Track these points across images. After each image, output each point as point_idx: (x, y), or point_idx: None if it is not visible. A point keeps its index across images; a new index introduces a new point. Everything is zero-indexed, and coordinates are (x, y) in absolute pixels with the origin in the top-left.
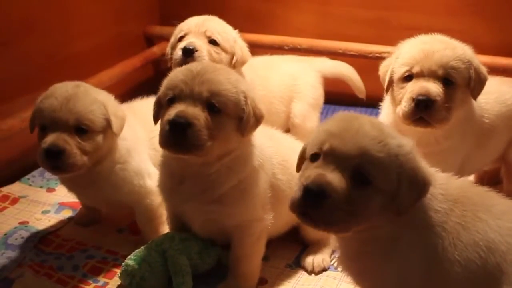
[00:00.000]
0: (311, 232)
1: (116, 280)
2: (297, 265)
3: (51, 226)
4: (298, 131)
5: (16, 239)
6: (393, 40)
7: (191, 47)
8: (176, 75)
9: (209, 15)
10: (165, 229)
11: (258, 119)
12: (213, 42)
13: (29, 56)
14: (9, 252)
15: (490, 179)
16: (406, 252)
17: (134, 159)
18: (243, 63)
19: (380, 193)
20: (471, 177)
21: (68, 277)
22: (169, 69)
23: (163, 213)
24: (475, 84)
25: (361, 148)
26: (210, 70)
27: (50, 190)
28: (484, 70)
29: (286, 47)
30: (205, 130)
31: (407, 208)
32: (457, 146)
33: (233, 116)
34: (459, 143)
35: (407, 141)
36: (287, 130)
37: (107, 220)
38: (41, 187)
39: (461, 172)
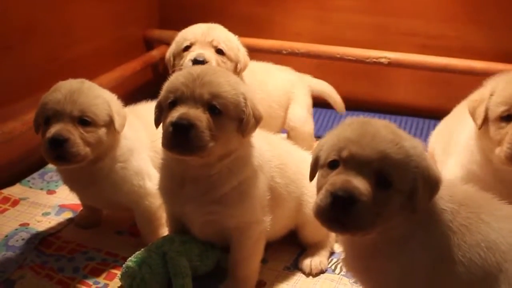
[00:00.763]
0: (309, 235)
1: (117, 282)
2: (295, 267)
3: (52, 228)
4: (297, 134)
5: (17, 240)
6: (391, 45)
7: (201, 59)
8: (177, 78)
9: (207, 19)
10: (165, 231)
11: (257, 120)
12: (219, 51)
13: (30, 60)
14: (10, 254)
15: None
16: (415, 251)
17: (135, 159)
18: (245, 69)
19: (400, 194)
20: None
21: (69, 279)
22: (169, 74)
23: (162, 216)
24: None
25: (380, 152)
26: (210, 72)
27: (50, 192)
28: None
29: (285, 52)
30: (207, 131)
31: (423, 206)
32: None
33: (234, 118)
34: None
35: (418, 142)
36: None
37: (107, 222)
38: (41, 189)
39: None
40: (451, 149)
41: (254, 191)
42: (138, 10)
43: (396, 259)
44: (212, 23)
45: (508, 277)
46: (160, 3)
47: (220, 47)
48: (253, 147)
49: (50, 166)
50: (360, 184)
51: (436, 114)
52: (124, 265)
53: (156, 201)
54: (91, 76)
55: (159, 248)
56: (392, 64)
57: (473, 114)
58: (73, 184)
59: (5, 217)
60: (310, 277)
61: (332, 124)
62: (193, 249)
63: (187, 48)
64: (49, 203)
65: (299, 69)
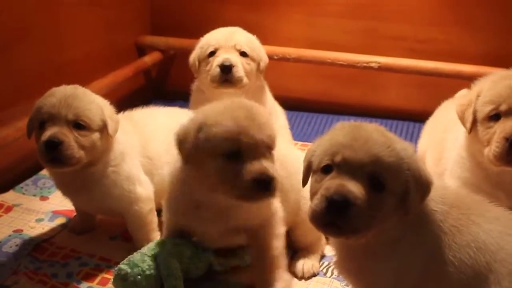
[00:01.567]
0: (301, 238)
1: (110, 287)
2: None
3: (45, 234)
4: None
5: (10, 247)
6: (380, 49)
7: (228, 64)
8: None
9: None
10: (156, 235)
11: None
12: (242, 53)
13: (22, 67)
14: (4, 260)
15: None
16: (407, 251)
17: (126, 164)
18: (265, 67)
19: (393, 196)
20: None
21: (63, 284)
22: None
23: (153, 220)
24: None
25: (373, 156)
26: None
27: (43, 198)
28: None
29: (276, 57)
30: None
31: (415, 208)
32: None
33: None
34: None
35: (408, 144)
36: None
37: (101, 227)
38: (34, 195)
39: None
40: (443, 167)
41: None
42: (130, 17)
43: (388, 260)
44: (225, 27)
45: (497, 277)
46: (152, 10)
47: (243, 50)
48: None
49: (43, 172)
50: (354, 188)
51: (426, 118)
52: (116, 268)
53: (146, 206)
54: (83, 83)
55: (151, 251)
56: (382, 69)
57: (461, 118)
58: (66, 188)
59: None
60: (302, 280)
61: (318, 129)
62: (185, 252)
63: (212, 54)
64: (43, 209)
65: (290, 74)
